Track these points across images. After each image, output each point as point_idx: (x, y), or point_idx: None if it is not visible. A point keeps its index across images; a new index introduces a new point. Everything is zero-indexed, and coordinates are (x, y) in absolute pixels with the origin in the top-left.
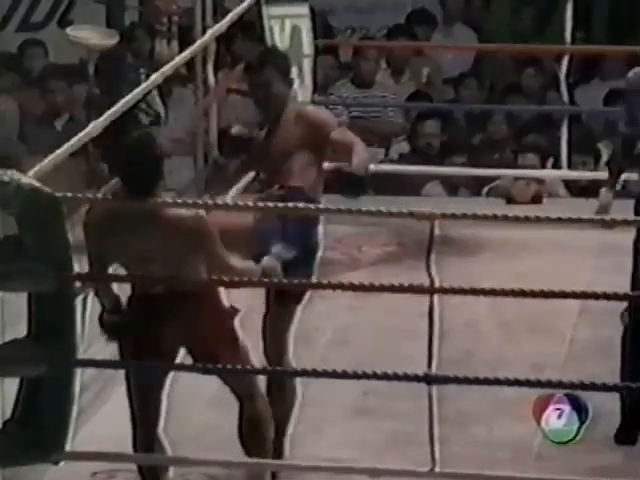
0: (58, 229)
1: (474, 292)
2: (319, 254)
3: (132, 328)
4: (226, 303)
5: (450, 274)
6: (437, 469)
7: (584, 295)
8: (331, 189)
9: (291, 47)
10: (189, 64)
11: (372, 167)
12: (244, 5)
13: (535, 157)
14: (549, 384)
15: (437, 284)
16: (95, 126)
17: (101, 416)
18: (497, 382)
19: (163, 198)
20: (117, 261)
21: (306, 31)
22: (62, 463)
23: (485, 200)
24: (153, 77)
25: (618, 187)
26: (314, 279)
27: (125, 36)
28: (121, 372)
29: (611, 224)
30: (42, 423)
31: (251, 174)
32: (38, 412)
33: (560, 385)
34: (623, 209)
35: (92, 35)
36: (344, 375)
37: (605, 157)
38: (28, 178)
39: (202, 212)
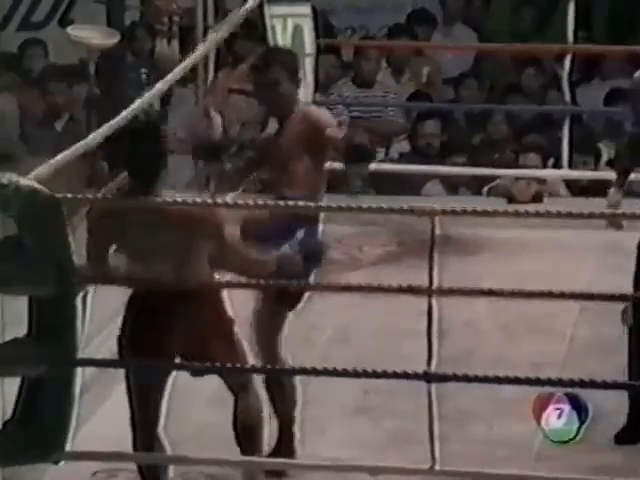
0: (58, 230)
1: (473, 293)
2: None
3: (132, 328)
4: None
5: (450, 274)
6: (437, 467)
7: (583, 296)
8: (334, 188)
9: (293, 46)
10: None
11: (372, 167)
12: (246, 7)
13: (536, 157)
14: (548, 382)
15: (437, 284)
16: (98, 133)
17: (101, 416)
18: (496, 380)
19: (167, 189)
20: (120, 250)
21: (308, 30)
22: (62, 463)
23: (486, 199)
24: (159, 84)
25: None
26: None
27: (126, 36)
28: (121, 371)
29: (620, 224)
30: (42, 423)
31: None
32: (38, 412)
33: (559, 383)
34: (632, 209)
35: (93, 35)
36: (344, 373)
37: (606, 157)
38: (27, 180)
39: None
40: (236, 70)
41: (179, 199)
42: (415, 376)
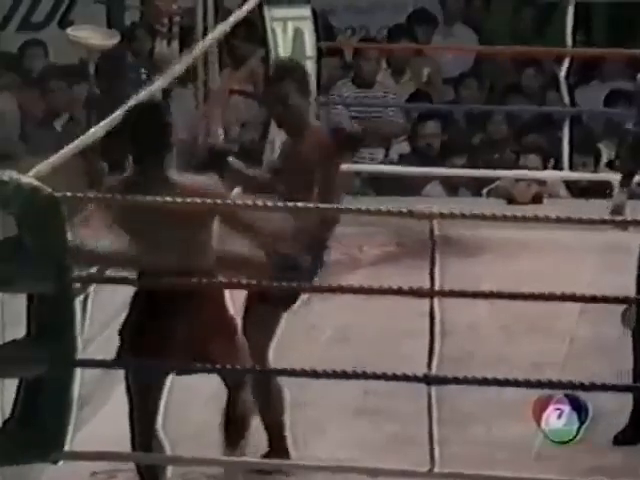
0: (58, 229)
1: (475, 296)
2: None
3: (134, 328)
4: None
5: (451, 275)
6: (436, 469)
7: (584, 299)
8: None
9: (294, 49)
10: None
11: (372, 168)
12: (245, 8)
13: (537, 158)
14: (549, 384)
15: (438, 285)
16: (97, 129)
17: (101, 417)
18: (496, 382)
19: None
20: (126, 231)
21: (309, 33)
22: (61, 463)
23: (485, 201)
24: (158, 82)
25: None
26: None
27: (126, 36)
28: (121, 372)
29: (625, 225)
30: (41, 423)
31: None
32: (38, 412)
33: (560, 386)
34: (636, 210)
35: (92, 35)
36: (344, 375)
37: (605, 158)
38: (28, 178)
39: (214, 180)
40: (237, 72)
41: (178, 200)
42: (415, 378)
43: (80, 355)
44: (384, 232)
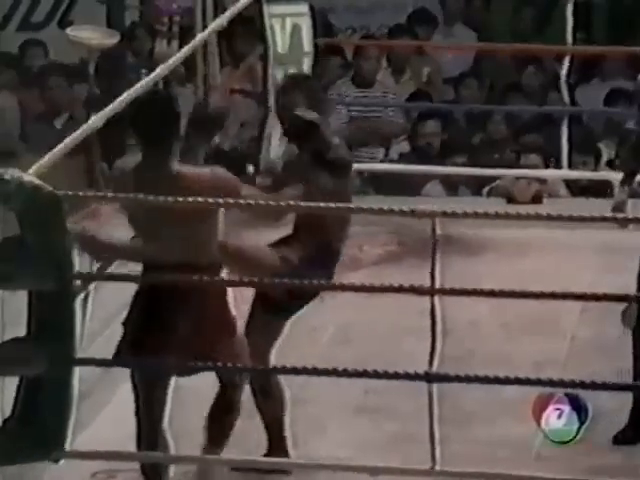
0: (59, 227)
1: (476, 294)
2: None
3: (135, 325)
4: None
5: (452, 274)
6: (437, 467)
7: (584, 297)
8: None
9: (291, 45)
10: (189, 63)
11: (372, 167)
12: (244, 2)
13: (537, 157)
14: (550, 383)
15: (439, 284)
16: (94, 121)
17: (103, 418)
18: (497, 381)
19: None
20: (134, 223)
21: (306, 29)
22: (62, 462)
23: (485, 200)
24: (153, 74)
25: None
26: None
27: (125, 36)
28: (123, 373)
29: (625, 223)
30: (42, 422)
31: None
32: (38, 411)
33: (561, 384)
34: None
35: (92, 35)
36: (345, 373)
37: (606, 157)
38: (29, 176)
39: (218, 168)
40: (236, 70)
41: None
42: (416, 376)
43: (81, 354)
44: (385, 231)
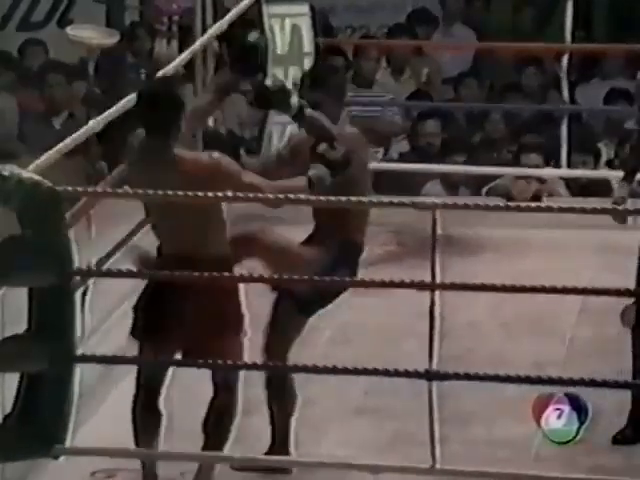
0: (59, 223)
1: (475, 288)
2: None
3: (142, 314)
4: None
5: (452, 274)
6: (437, 466)
7: (586, 291)
8: None
9: (291, 46)
10: (188, 63)
11: (372, 166)
12: (244, 4)
13: (538, 157)
14: (549, 381)
15: (439, 281)
16: (94, 124)
17: (102, 415)
18: (497, 378)
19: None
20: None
21: (306, 29)
22: (62, 459)
23: (485, 199)
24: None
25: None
26: None
27: (125, 36)
28: (122, 370)
29: (623, 218)
30: (42, 418)
31: None
32: (38, 407)
33: (560, 382)
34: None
35: (92, 34)
36: (344, 371)
37: (605, 157)
38: (29, 172)
39: (217, 154)
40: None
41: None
42: (416, 374)
43: (80, 349)
44: (385, 231)
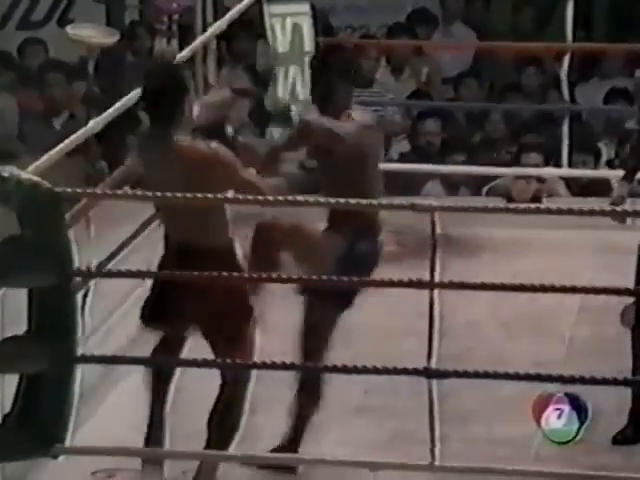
0: (58, 224)
1: (473, 287)
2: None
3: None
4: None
5: (451, 274)
6: (437, 463)
7: (586, 290)
8: None
9: (292, 45)
10: (189, 62)
11: None
12: (245, 3)
13: (538, 156)
14: (548, 379)
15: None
16: (94, 124)
17: (102, 415)
18: (496, 376)
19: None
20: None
21: (307, 29)
22: (62, 459)
23: (485, 199)
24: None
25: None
26: None
27: (125, 35)
28: (121, 370)
29: (623, 217)
30: (42, 418)
31: None
32: (38, 407)
33: (559, 380)
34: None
35: (92, 34)
36: (344, 370)
37: (605, 156)
38: (28, 174)
39: (215, 144)
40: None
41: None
42: (415, 372)
43: (81, 350)
44: (384, 232)
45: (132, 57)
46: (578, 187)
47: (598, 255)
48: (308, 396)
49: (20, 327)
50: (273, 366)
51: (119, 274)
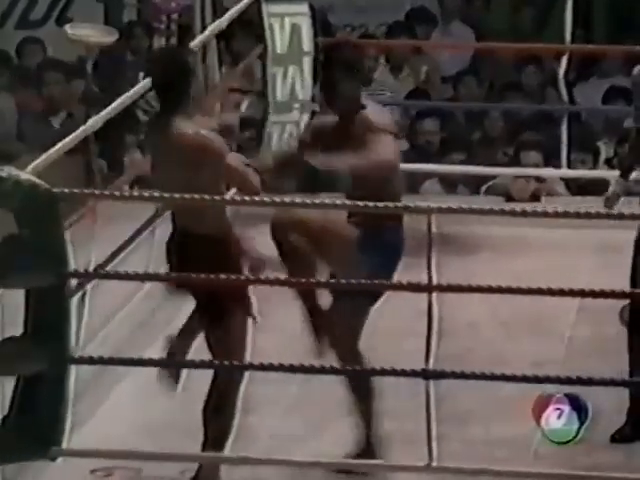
0: (56, 225)
1: (472, 290)
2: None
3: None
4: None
5: (449, 273)
6: (434, 464)
7: (583, 293)
8: None
9: (291, 45)
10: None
11: None
12: (243, 3)
13: (537, 155)
14: (547, 379)
15: (436, 283)
16: (92, 123)
17: (100, 416)
18: (494, 377)
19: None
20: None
21: (306, 29)
22: (59, 459)
23: (484, 198)
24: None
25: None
26: None
27: (124, 34)
28: (120, 371)
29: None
30: (39, 420)
31: None
32: (35, 409)
33: (557, 380)
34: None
35: (91, 33)
36: (343, 371)
37: (604, 155)
38: (26, 174)
39: (212, 134)
40: (236, 69)
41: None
42: (413, 373)
43: (79, 352)
44: None
45: (131, 56)
46: (577, 186)
47: (597, 254)
48: (364, 399)
49: (19, 327)
50: (272, 367)
51: (117, 275)
